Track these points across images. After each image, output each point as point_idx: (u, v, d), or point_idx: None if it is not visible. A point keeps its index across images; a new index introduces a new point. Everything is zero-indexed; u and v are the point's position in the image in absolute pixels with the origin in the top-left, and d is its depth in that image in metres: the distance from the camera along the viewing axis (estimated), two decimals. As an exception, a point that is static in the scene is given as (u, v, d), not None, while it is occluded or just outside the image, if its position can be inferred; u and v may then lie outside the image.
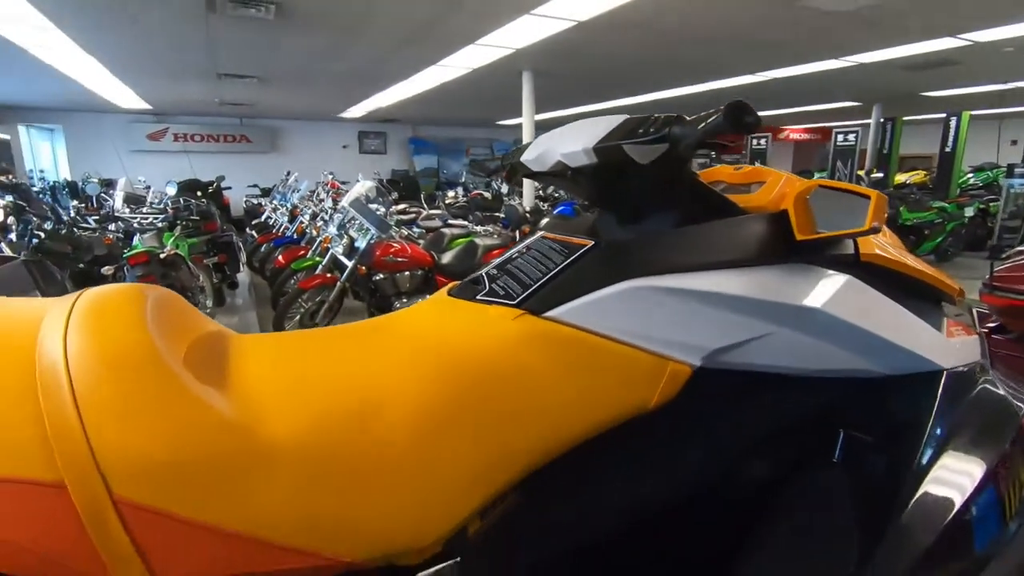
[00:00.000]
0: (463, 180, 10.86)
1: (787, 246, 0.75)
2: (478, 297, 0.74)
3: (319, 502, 0.52)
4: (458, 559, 0.60)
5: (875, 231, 0.75)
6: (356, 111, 10.82)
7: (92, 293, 0.56)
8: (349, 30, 4.73)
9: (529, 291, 0.71)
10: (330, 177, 6.58)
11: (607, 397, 0.68)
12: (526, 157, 0.84)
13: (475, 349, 0.66)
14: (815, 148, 15.73)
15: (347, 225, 3.96)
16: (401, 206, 7.00)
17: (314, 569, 0.52)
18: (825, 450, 0.83)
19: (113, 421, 0.46)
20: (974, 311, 1.09)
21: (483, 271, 0.81)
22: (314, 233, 4.67)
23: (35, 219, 3.40)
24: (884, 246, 0.87)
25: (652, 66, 6.28)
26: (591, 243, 0.76)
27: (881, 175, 8.31)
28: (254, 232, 6.46)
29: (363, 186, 4.31)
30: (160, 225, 3.85)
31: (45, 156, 11.53)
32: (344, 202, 4.05)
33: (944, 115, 9.11)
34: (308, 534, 0.51)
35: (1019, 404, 0.81)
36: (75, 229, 3.72)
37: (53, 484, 0.43)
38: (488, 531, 0.64)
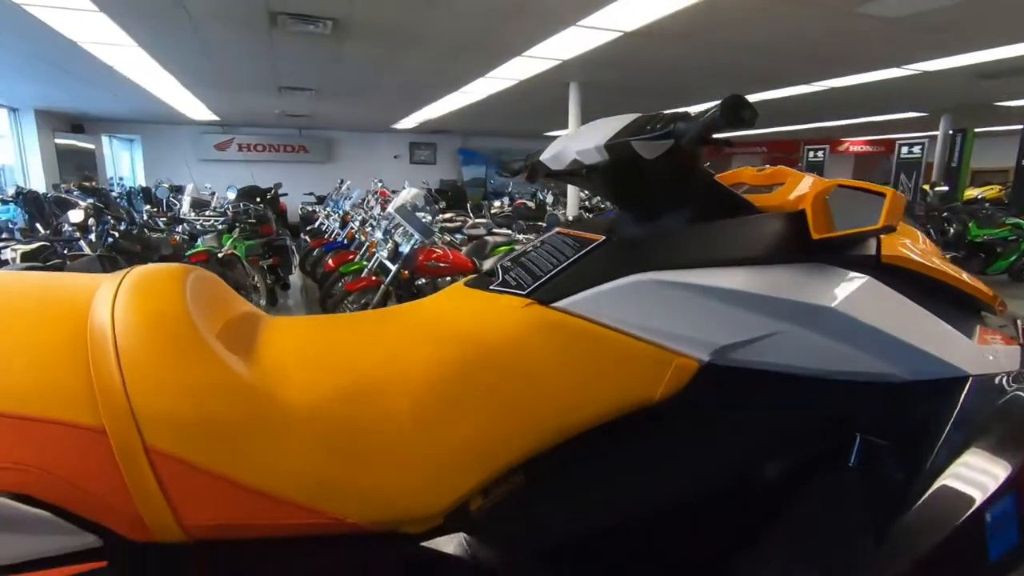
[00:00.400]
0: (509, 190, 10.98)
1: (803, 245, 0.75)
2: (491, 287, 0.77)
3: (329, 465, 0.56)
4: (461, 534, 0.63)
5: (890, 229, 0.74)
6: (407, 122, 11.15)
7: (140, 269, 0.63)
8: (401, 44, 4.92)
9: (539, 282, 0.74)
10: (380, 185, 6.80)
11: (611, 387, 0.70)
12: (544, 156, 0.87)
13: (483, 335, 0.69)
14: (878, 161, 15.02)
15: (392, 231, 4.09)
16: (448, 215, 7.15)
17: (321, 526, 0.56)
18: (841, 454, 0.81)
19: (149, 378, 0.52)
20: (1019, 323, 1.04)
21: (498, 264, 0.84)
22: (363, 238, 4.84)
23: (111, 220, 3.68)
24: (910, 249, 0.85)
25: (701, 76, 6.20)
26: (603, 238, 0.78)
27: (946, 188, 7.85)
28: (307, 237, 6.74)
29: (408, 193, 4.44)
30: (220, 227, 4.09)
31: (124, 164, 12.44)
32: (390, 208, 4.18)
33: (1022, 127, 8.54)
34: (317, 494, 0.55)
35: None
36: (145, 230, 4.00)
37: (95, 429, 0.49)
38: (490, 509, 0.67)
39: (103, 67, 5.85)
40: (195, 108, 9.17)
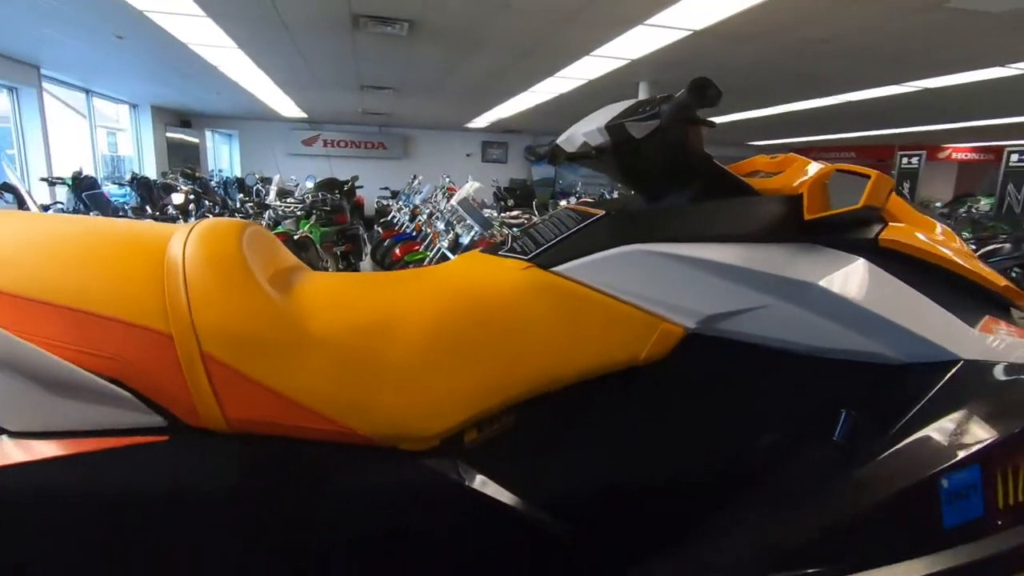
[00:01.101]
0: (577, 190, 11.01)
1: (797, 227, 0.80)
2: (499, 252, 0.87)
3: (345, 384, 0.68)
4: (454, 459, 0.74)
5: (872, 209, 0.77)
6: (480, 122, 11.42)
7: (208, 220, 0.78)
8: (473, 44, 5.11)
9: (540, 249, 0.83)
10: (448, 181, 7.07)
11: (598, 345, 0.78)
12: (560, 139, 0.96)
13: (486, 291, 0.80)
14: (985, 170, 13.74)
15: (455, 223, 4.27)
16: (514, 212, 7.31)
17: (336, 434, 0.68)
18: (826, 429, 0.85)
19: (207, 300, 0.66)
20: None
21: (510, 234, 0.94)
22: (428, 230, 5.08)
23: (208, 204, 4.10)
24: (917, 237, 0.87)
25: (776, 77, 5.98)
26: (603, 213, 0.86)
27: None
28: (380, 229, 7.11)
29: (471, 187, 4.62)
30: (299, 213, 4.45)
31: (224, 157, 13.58)
32: (452, 201, 4.37)
33: None
34: (334, 406, 0.68)
35: None
36: (236, 214, 4.42)
37: (166, 334, 0.64)
38: (481, 442, 0.77)
39: (208, 67, 6.46)
40: (286, 106, 9.88)
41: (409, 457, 0.71)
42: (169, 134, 11.03)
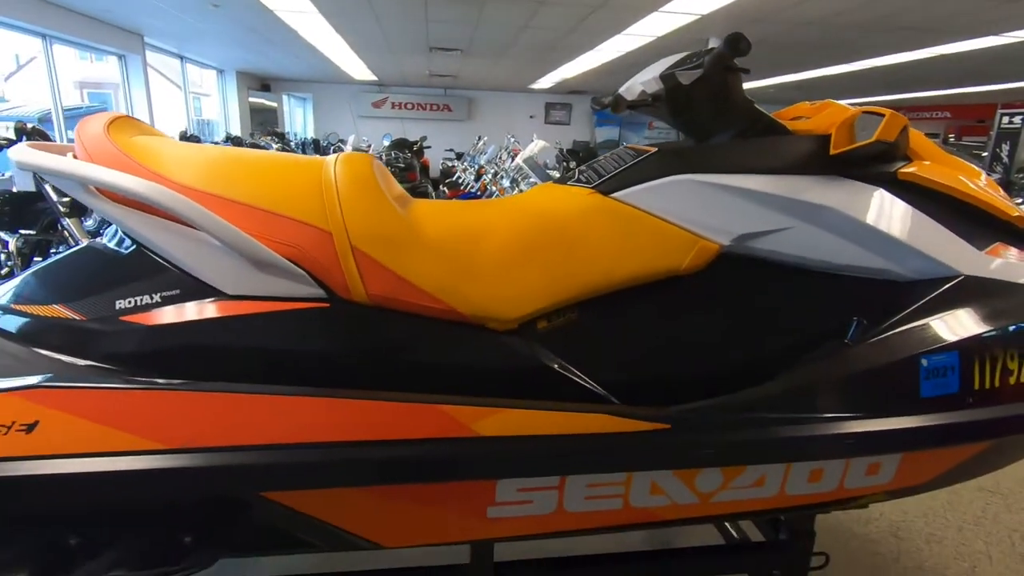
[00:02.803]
0: (641, 152, 10.88)
1: (824, 161, 0.96)
2: (568, 183, 1.07)
3: (449, 274, 0.92)
4: (528, 340, 0.96)
5: (884, 144, 0.92)
6: (544, 83, 11.38)
7: (346, 153, 1.02)
8: (541, 2, 5.16)
9: (602, 179, 1.03)
10: (513, 142, 7.23)
11: (647, 256, 0.97)
12: (621, 89, 1.13)
13: (558, 211, 1.00)
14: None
15: (519, 180, 4.46)
16: (576, 173, 7.39)
17: (441, 311, 0.92)
18: (840, 333, 1.01)
19: (354, 208, 0.90)
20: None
21: (578, 168, 1.13)
22: (494, 188, 5.29)
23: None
24: (938, 172, 1.00)
25: (858, 29, 5.67)
26: (655, 150, 1.04)
27: None
28: (445, 188, 7.41)
29: (536, 146, 4.76)
30: (375, 171, 4.79)
31: (298, 119, 14.24)
32: (518, 159, 4.55)
33: None
34: (442, 290, 0.91)
35: None
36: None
37: (327, 231, 0.89)
38: (549, 329, 0.98)
39: (290, 32, 6.84)
40: (358, 69, 10.23)
41: (494, 334, 0.94)
42: (251, 99, 11.70)
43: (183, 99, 9.64)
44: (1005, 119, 9.30)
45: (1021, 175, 6.82)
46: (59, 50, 6.20)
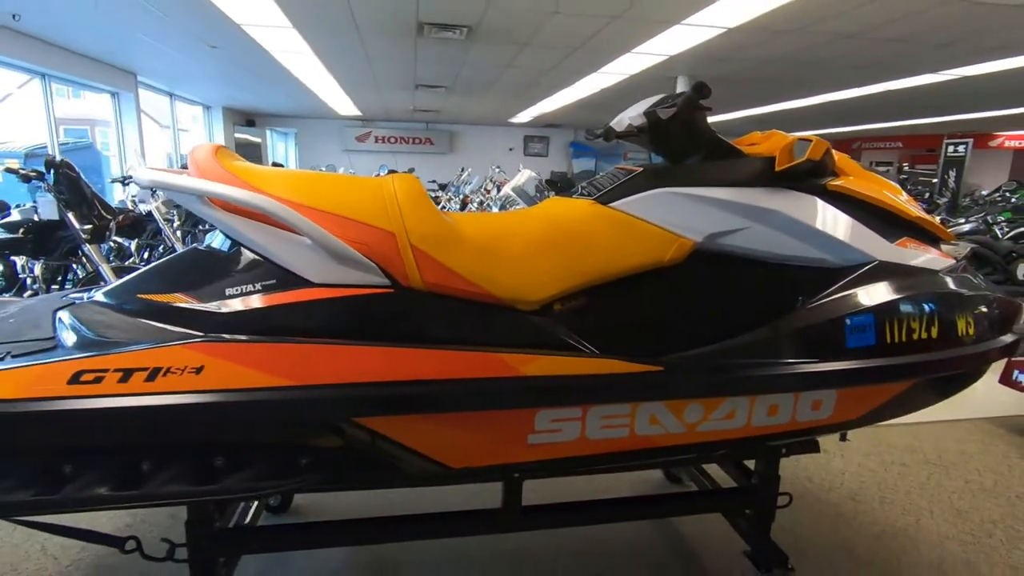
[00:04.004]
0: (617, 182, 11.41)
1: (771, 176, 1.26)
2: (572, 195, 1.36)
3: (483, 265, 1.18)
4: (547, 317, 1.22)
5: (812, 162, 1.22)
6: (523, 116, 11.90)
7: (400, 174, 1.29)
8: (524, 44, 5.59)
9: (600, 192, 1.31)
10: (499, 172, 7.61)
11: (637, 251, 1.25)
12: (612, 122, 1.43)
13: (567, 217, 1.28)
14: (1042, 157, 13.33)
15: (507, 207, 4.78)
16: (556, 201, 7.77)
17: (479, 295, 1.17)
18: (788, 310, 1.29)
19: (410, 213, 1.16)
20: (965, 248, 1.43)
21: (579, 185, 1.42)
22: (480, 215, 5.60)
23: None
24: (859, 185, 1.31)
25: (812, 68, 6.23)
26: (641, 169, 1.33)
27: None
28: (432, 217, 7.72)
29: (524, 175, 5.10)
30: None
31: (280, 153, 14.51)
32: (506, 188, 4.87)
33: None
34: (479, 278, 1.17)
35: (944, 284, 1.21)
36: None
37: (391, 232, 1.15)
38: (563, 310, 1.25)
39: (282, 70, 7.17)
40: (344, 104, 10.60)
41: (521, 313, 1.20)
42: (237, 134, 11.96)
43: (163, 134, 9.83)
44: (951, 148, 10.11)
45: (967, 199, 7.44)
46: (35, 86, 6.33)
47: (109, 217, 3.47)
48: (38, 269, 3.10)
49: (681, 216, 1.25)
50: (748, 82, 7.20)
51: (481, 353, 1.05)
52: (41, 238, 3.21)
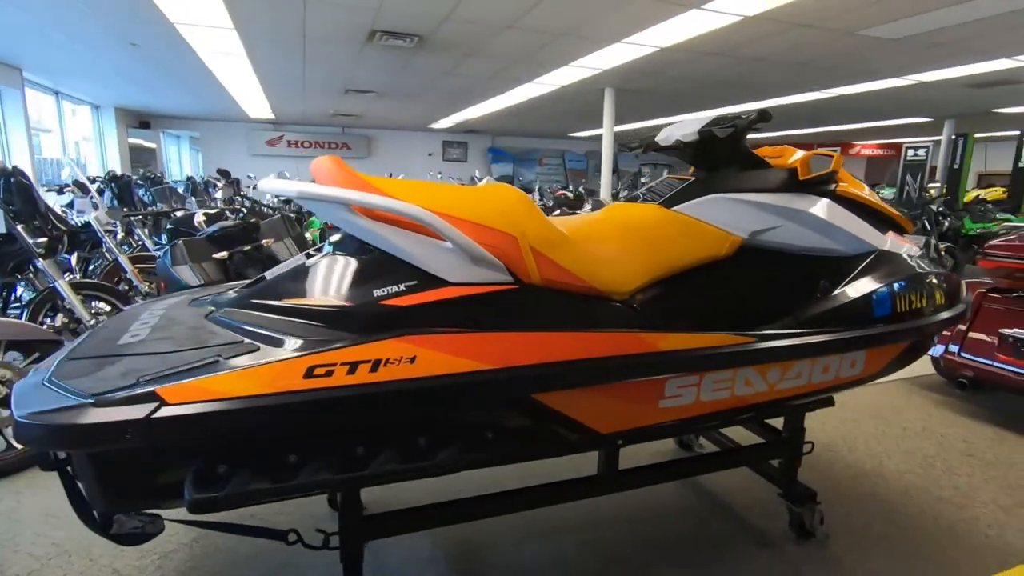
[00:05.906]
0: (537, 186, 11.84)
1: (795, 184, 1.56)
2: (638, 201, 1.59)
3: (587, 263, 1.37)
4: (634, 304, 1.44)
5: (833, 174, 1.54)
6: (444, 122, 11.98)
7: (511, 186, 1.44)
8: (469, 54, 5.75)
9: (663, 198, 1.55)
10: (440, 176, 7.69)
11: (699, 247, 1.50)
12: (658, 138, 1.68)
13: (641, 221, 1.51)
14: (887, 163, 15.71)
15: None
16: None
17: (583, 288, 1.36)
18: (813, 289, 1.60)
19: (528, 221, 1.33)
20: (926, 240, 1.84)
21: (639, 191, 1.65)
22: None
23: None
24: (856, 190, 1.65)
25: (726, 84, 6.98)
26: (693, 179, 1.59)
27: (937, 185, 8.53)
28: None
29: (485, 181, 5.28)
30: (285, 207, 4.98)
31: (173, 158, 13.41)
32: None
33: (1019, 132, 9.19)
34: (584, 274, 1.36)
35: (919, 266, 1.58)
36: (228, 210, 4.89)
37: (514, 235, 1.31)
38: (645, 297, 1.47)
39: (203, 71, 6.75)
40: (257, 107, 10.09)
41: (614, 301, 1.42)
42: (131, 140, 10.95)
43: (17, 135, 8.53)
44: (911, 152, 10.20)
45: (925, 195, 8.14)
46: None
47: (63, 228, 3.18)
48: (-10, 287, 2.79)
49: (732, 217, 1.52)
50: (664, 95, 7.87)
51: (625, 334, 1.25)
52: (-14, 255, 2.89)
